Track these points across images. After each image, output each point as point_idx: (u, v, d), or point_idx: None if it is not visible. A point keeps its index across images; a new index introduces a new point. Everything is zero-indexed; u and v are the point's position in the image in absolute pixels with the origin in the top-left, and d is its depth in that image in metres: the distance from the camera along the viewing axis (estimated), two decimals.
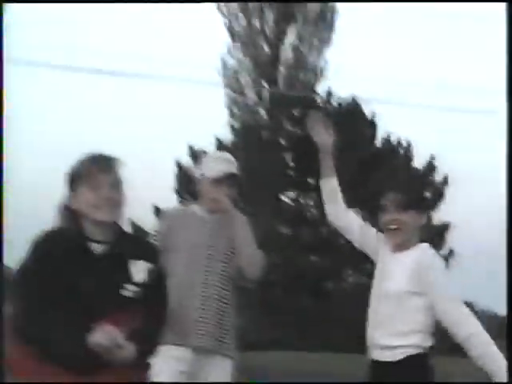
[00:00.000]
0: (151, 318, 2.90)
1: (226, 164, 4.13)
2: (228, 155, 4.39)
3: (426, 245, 3.51)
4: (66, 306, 2.75)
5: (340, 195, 3.68)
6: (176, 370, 3.87)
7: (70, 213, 2.94)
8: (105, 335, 2.62)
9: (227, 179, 4.02)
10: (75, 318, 2.71)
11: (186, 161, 18.96)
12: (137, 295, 2.86)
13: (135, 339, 2.75)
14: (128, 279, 2.89)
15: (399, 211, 3.35)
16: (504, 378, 3.12)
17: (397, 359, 3.20)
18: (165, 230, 4.07)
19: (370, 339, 3.36)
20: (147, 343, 2.92)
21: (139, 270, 2.93)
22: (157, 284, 3.01)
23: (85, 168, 2.91)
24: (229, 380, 4.04)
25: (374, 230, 3.62)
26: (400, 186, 3.71)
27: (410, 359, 3.19)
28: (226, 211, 4.03)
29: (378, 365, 3.32)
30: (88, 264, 2.86)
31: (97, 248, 2.90)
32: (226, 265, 3.97)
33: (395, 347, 3.21)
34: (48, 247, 2.88)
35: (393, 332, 3.26)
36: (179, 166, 18.75)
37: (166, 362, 3.82)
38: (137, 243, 3.13)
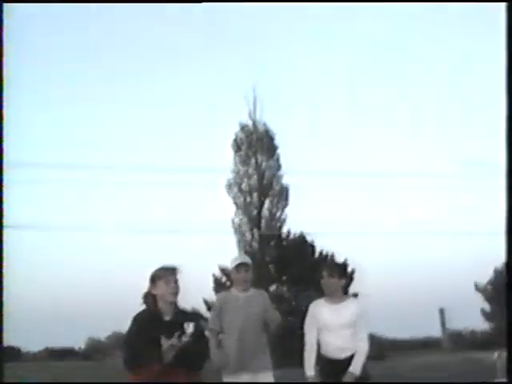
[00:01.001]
0: (196, 349, 4.38)
1: (241, 258, 5.87)
2: (243, 254, 8.49)
3: (354, 298, 5.93)
4: (151, 349, 4.16)
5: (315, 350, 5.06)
6: None
7: (151, 296, 4.46)
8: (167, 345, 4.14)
9: (243, 267, 5.66)
10: (155, 351, 4.17)
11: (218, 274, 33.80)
12: (188, 340, 4.30)
13: (184, 357, 4.21)
14: (183, 332, 4.29)
15: (329, 278, 4.99)
16: (356, 369, 4.84)
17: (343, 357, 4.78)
18: (218, 306, 5.64)
19: (334, 347, 4.85)
20: (193, 360, 4.35)
21: (189, 328, 4.38)
22: (199, 334, 4.45)
23: (161, 271, 4.52)
24: None
25: (314, 321, 5.03)
26: (328, 265, 5.76)
27: (350, 357, 4.76)
28: (247, 289, 5.67)
29: (333, 361, 4.86)
30: (161, 326, 4.31)
31: (166, 317, 4.39)
32: (255, 322, 5.56)
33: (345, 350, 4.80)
34: (140, 319, 4.40)
35: (343, 344, 4.84)
36: (214, 277, 33.98)
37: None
38: (186, 314, 4.60)
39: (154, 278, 4.56)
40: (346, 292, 5.34)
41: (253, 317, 5.59)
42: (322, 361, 5.13)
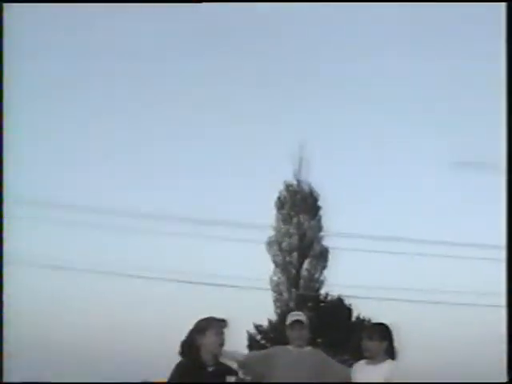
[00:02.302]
0: None
1: (295, 316, 5.82)
2: (298, 312, 6.19)
3: (392, 361, 5.12)
4: None
5: None
6: None
7: (195, 346, 4.52)
8: None
9: (298, 324, 5.65)
10: None
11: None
12: None
13: None
14: (224, 382, 4.54)
15: (368, 341, 5.06)
16: None
17: None
18: (272, 355, 5.69)
19: None
20: None
21: (231, 379, 4.62)
22: None
23: (212, 322, 4.62)
24: None
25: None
26: (368, 327, 5.76)
27: None
28: (302, 347, 5.66)
29: None
30: (204, 376, 4.45)
31: (209, 368, 4.51)
32: (305, 378, 5.46)
33: None
34: (183, 368, 4.50)
35: None
36: (249, 334, 33.84)
37: None
38: (225, 364, 4.73)
39: (204, 328, 4.62)
40: (391, 356, 5.28)
41: (304, 373, 5.54)
42: None
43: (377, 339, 5.09)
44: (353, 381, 5.18)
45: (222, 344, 4.65)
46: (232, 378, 4.59)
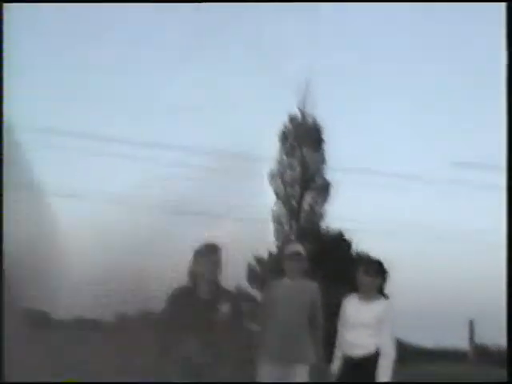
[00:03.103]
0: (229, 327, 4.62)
1: (293, 247, 6.00)
2: (297, 244, 6.37)
3: (385, 299, 5.23)
4: (183, 324, 4.35)
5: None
6: (271, 377, 5.35)
7: (192, 273, 4.62)
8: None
9: (296, 256, 5.80)
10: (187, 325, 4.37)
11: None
12: (222, 318, 4.49)
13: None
14: (218, 310, 4.49)
15: (364, 276, 5.10)
16: (385, 376, 4.74)
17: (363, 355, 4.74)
18: (267, 292, 5.83)
19: (348, 344, 4.87)
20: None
21: (225, 306, 4.64)
22: (234, 313, 4.65)
23: (203, 248, 4.72)
24: (306, 380, 5.52)
25: (342, 315, 5.12)
26: (365, 262, 5.51)
27: (363, 357, 4.72)
28: (299, 279, 5.82)
29: (347, 357, 4.91)
30: (197, 303, 4.48)
31: (202, 295, 4.55)
32: (299, 311, 5.70)
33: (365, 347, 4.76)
34: (175, 295, 4.62)
35: (356, 342, 4.87)
36: (249, 266, 34.03)
37: (265, 372, 5.46)
38: (225, 294, 4.71)
39: (196, 255, 4.58)
40: (381, 291, 5.20)
41: (298, 306, 5.63)
42: (343, 357, 5.02)
43: (373, 275, 5.05)
44: (344, 315, 5.10)
45: (213, 271, 4.52)
46: (226, 307, 4.49)
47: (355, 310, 5.01)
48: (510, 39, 4.25)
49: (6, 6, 4.21)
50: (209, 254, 4.55)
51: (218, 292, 4.67)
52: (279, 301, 5.47)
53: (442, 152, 45.19)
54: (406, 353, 45.37)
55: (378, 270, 5.18)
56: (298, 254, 5.67)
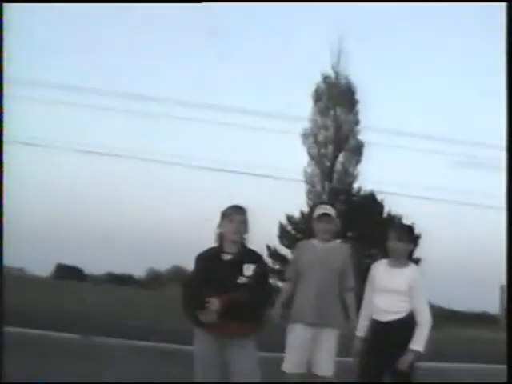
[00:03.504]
0: (254, 295, 4.29)
1: (323, 208, 5.64)
2: (327, 205, 5.98)
3: (415, 265, 5.04)
4: (205, 288, 4.23)
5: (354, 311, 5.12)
6: (300, 339, 5.04)
7: (218, 235, 4.51)
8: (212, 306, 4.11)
9: (325, 218, 5.49)
10: (210, 294, 4.20)
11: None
12: (245, 283, 4.31)
13: (235, 307, 4.19)
14: (241, 274, 4.34)
15: (397, 242, 4.83)
16: (419, 346, 4.54)
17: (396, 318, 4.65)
18: (296, 254, 5.64)
19: (378, 309, 4.74)
20: (250, 311, 4.31)
21: (249, 269, 4.38)
22: (259, 278, 4.39)
23: (228, 210, 4.52)
24: (334, 345, 5.30)
25: (371, 280, 4.95)
26: (398, 227, 5.36)
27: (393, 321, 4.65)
28: (328, 240, 5.51)
29: (376, 322, 4.77)
30: (220, 265, 4.40)
31: (225, 256, 4.45)
32: (331, 274, 5.40)
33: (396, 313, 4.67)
34: (201, 257, 4.52)
35: (386, 307, 4.73)
36: (281, 224, 34.33)
37: (294, 334, 5.20)
38: (251, 255, 4.52)
39: (221, 216, 4.55)
40: (410, 257, 5.12)
41: (329, 269, 5.42)
42: (371, 321, 4.99)
43: (405, 241, 4.89)
44: (373, 281, 5.05)
45: (238, 232, 4.47)
46: (250, 268, 4.39)
47: (385, 275, 4.87)
48: (510, 39, 4.18)
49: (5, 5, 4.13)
50: (235, 215, 4.46)
51: (244, 252, 4.53)
52: (309, 263, 5.32)
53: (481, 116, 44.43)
54: (438, 317, 45.68)
55: (409, 235, 5.02)
56: (327, 215, 5.51)
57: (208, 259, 4.49)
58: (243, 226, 4.52)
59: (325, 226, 5.53)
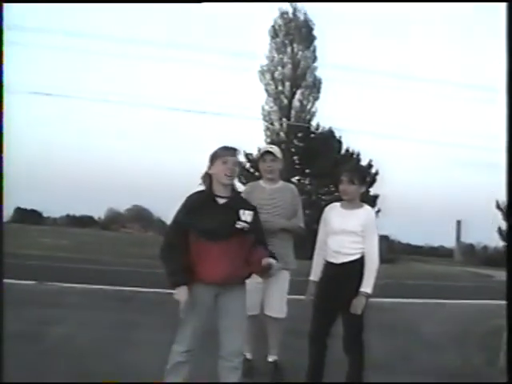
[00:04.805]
0: (256, 241, 4.28)
1: (268, 146, 5.72)
2: (271, 145, 6.14)
3: (368, 206, 4.91)
4: (195, 233, 4.11)
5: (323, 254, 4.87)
6: (251, 281, 4.65)
7: (208, 177, 4.33)
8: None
9: (269, 156, 5.53)
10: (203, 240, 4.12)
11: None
12: (244, 228, 4.22)
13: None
14: (238, 219, 4.24)
15: (349, 184, 4.78)
16: (366, 288, 4.57)
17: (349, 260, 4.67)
18: (246, 195, 5.17)
19: (330, 251, 4.75)
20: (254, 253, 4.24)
21: (245, 215, 4.29)
22: (255, 222, 4.34)
23: (220, 151, 4.30)
24: (286, 286, 5.40)
25: (324, 223, 4.90)
26: (350, 170, 4.99)
27: (354, 261, 4.65)
28: (274, 180, 5.58)
29: (329, 264, 4.79)
30: (214, 210, 4.26)
31: (220, 200, 4.30)
32: (279, 215, 5.46)
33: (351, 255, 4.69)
34: (192, 199, 4.30)
35: (338, 249, 4.73)
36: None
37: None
38: (243, 201, 4.47)
39: (213, 158, 4.34)
40: (365, 196, 5.12)
41: (277, 210, 5.41)
42: (324, 264, 4.99)
43: (357, 183, 4.87)
44: (326, 223, 5.03)
45: (230, 174, 4.27)
46: (246, 213, 4.29)
47: (339, 217, 4.86)
48: (510, 39, 4.17)
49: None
50: (229, 156, 4.28)
51: (237, 197, 4.45)
52: (258, 205, 5.30)
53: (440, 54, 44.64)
54: (395, 250, 46.71)
55: (361, 178, 4.99)
56: (270, 153, 5.50)
57: (202, 203, 4.30)
58: (236, 168, 4.34)
59: (269, 165, 5.51)
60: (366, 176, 5.27)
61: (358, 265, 4.66)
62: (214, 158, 4.31)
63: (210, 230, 4.17)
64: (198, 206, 4.26)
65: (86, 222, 75.14)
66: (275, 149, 5.64)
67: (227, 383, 4.20)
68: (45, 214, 68.90)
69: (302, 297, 4.84)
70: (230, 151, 4.31)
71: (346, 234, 4.74)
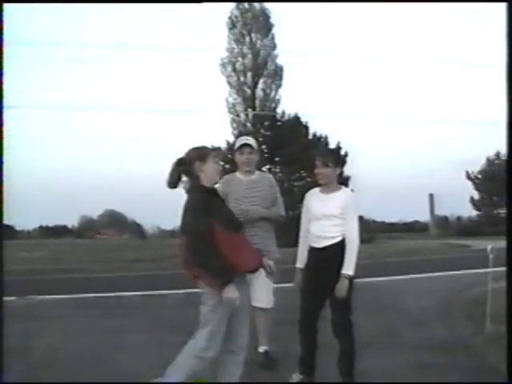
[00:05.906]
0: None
1: (244, 139, 5.67)
2: (247, 136, 5.92)
3: (347, 189, 5.01)
4: (221, 228, 4.05)
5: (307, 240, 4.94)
6: None
7: (194, 175, 4.29)
8: None
9: (247, 148, 5.55)
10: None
11: None
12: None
13: None
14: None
15: (323, 168, 4.85)
16: (348, 270, 4.64)
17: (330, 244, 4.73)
18: (221, 190, 5.20)
19: (313, 236, 4.82)
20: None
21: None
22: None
23: (209, 150, 4.34)
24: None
25: (305, 209, 4.97)
26: (323, 154, 5.13)
27: (336, 243, 4.70)
28: (251, 172, 5.59)
29: (313, 249, 4.85)
30: (222, 204, 4.39)
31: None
32: (259, 204, 5.46)
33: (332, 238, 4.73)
34: (203, 199, 4.19)
35: (320, 233, 4.78)
36: None
37: None
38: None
39: (203, 156, 4.30)
40: (341, 177, 5.13)
41: (256, 201, 5.42)
42: (308, 250, 5.03)
43: (331, 165, 4.90)
44: (307, 209, 5.06)
45: (220, 173, 4.38)
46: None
47: (319, 202, 4.90)
48: (510, 39, 4.16)
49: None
50: (215, 154, 4.35)
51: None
52: (236, 198, 5.34)
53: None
54: (371, 229, 47.06)
55: (334, 159, 5.02)
56: (248, 145, 5.51)
57: (212, 199, 4.31)
58: (220, 167, 4.45)
59: (247, 157, 5.52)
60: (339, 158, 5.28)
61: (340, 247, 4.70)
62: (205, 157, 4.27)
63: (234, 222, 4.24)
64: (211, 202, 4.22)
65: (60, 231, 74.59)
66: (252, 140, 5.64)
67: (230, 383, 4.15)
68: (17, 228, 68.36)
69: (288, 285, 4.89)
70: (218, 150, 4.37)
71: (327, 217, 4.78)
